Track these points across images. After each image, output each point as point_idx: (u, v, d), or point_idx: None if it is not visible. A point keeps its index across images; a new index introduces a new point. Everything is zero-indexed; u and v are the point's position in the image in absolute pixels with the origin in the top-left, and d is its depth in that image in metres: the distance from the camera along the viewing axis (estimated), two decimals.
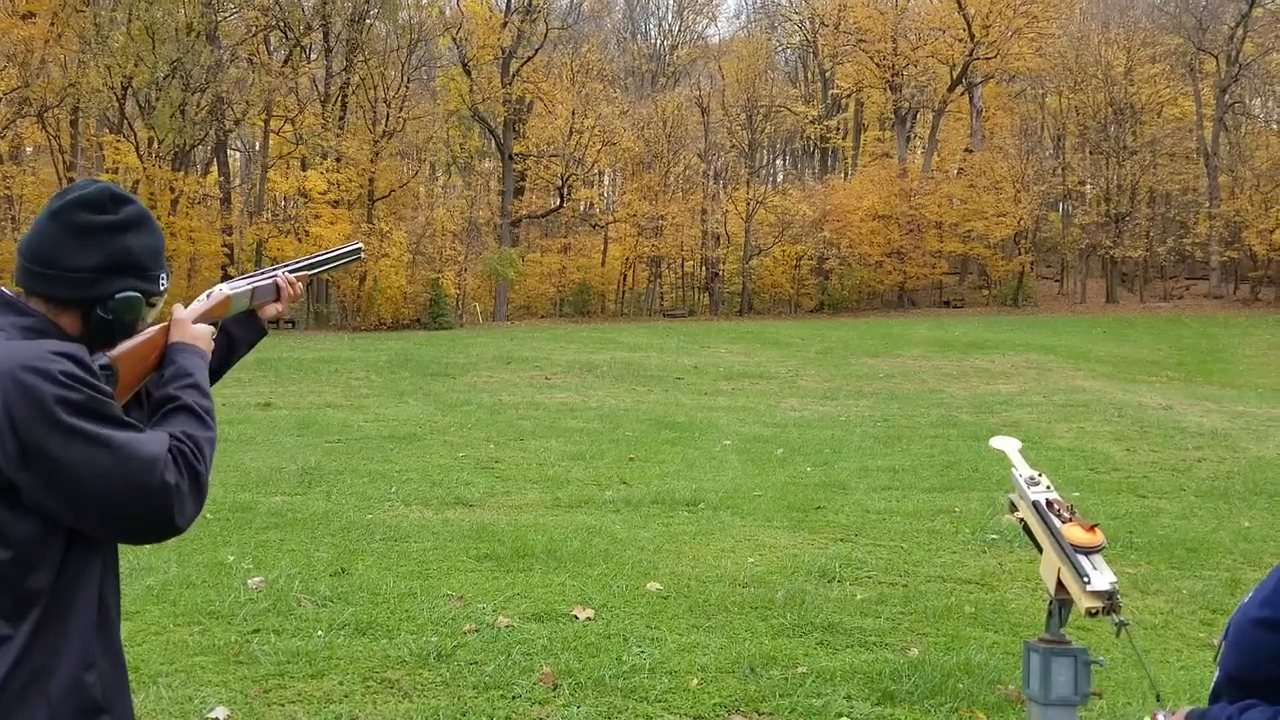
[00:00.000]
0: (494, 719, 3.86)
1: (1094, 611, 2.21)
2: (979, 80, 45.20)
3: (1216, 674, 1.60)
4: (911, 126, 48.24)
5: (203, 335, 1.94)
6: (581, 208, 47.65)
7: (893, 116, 47.56)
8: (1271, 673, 1.48)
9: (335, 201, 35.31)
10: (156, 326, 1.90)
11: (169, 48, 31.62)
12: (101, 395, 1.62)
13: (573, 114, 41.13)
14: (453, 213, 39.64)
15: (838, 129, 52.40)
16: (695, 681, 4.21)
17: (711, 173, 43.64)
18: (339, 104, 37.11)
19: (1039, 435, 11.58)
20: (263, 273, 2.23)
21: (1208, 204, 40.60)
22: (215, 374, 2.13)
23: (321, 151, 35.99)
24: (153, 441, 1.64)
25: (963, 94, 45.50)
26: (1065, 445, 10.91)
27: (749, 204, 42.14)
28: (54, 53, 30.31)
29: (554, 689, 4.12)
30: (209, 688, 4.08)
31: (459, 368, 19.02)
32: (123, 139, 32.09)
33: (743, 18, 59.73)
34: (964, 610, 5.21)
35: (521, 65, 42.08)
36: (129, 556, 5.56)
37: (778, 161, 58.37)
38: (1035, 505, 2.49)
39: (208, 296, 2.08)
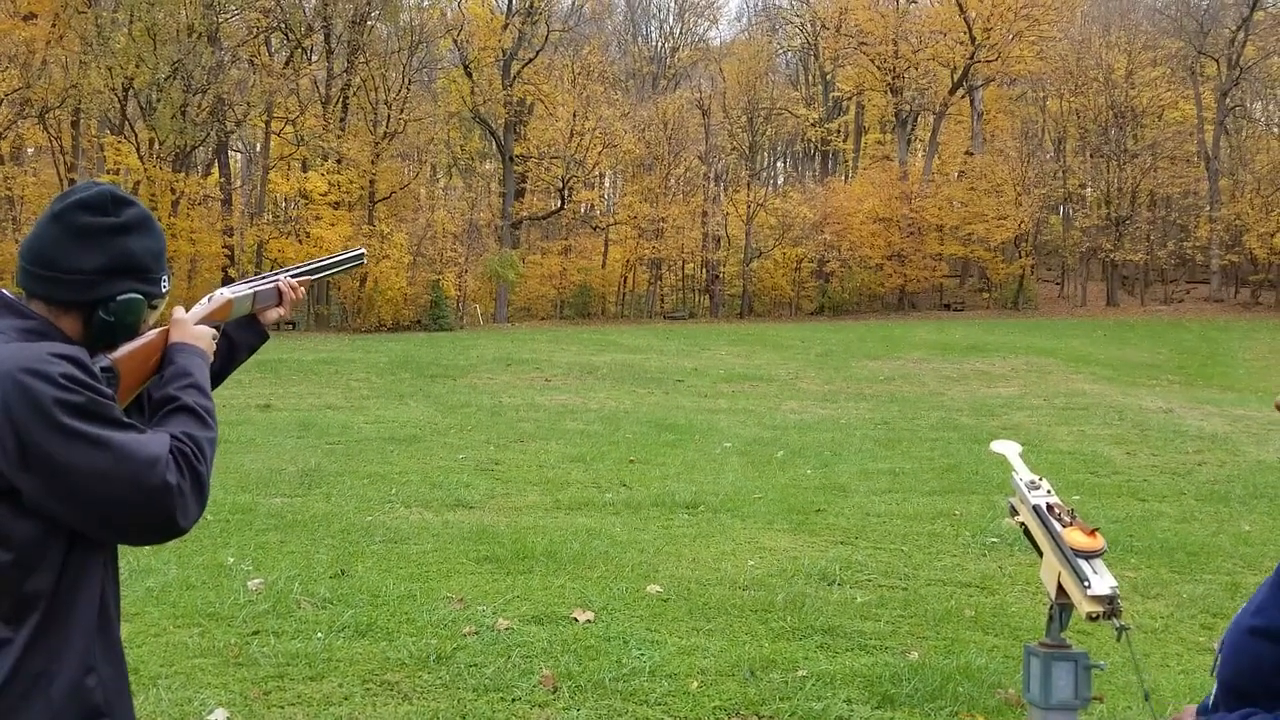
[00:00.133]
0: None
1: (1094, 616, 2.21)
2: (980, 83, 45.22)
3: (1214, 687, 1.59)
4: (912, 129, 48.26)
5: (203, 336, 1.94)
6: (582, 210, 47.67)
7: (893, 119, 47.57)
8: (1269, 682, 1.47)
9: (336, 203, 35.32)
10: (157, 329, 1.90)
11: (170, 49, 31.63)
12: (102, 397, 1.62)
13: (574, 116, 41.15)
14: (453, 214, 39.65)
15: (838, 131, 52.41)
16: (695, 684, 4.21)
17: (712, 175, 43.66)
18: (340, 105, 37.13)
19: (1039, 438, 11.58)
20: (264, 277, 2.23)
21: (1208, 207, 40.62)
22: (217, 378, 2.13)
23: (322, 153, 36.00)
24: (153, 442, 1.64)
25: (963, 97, 45.52)
26: (1065, 448, 10.91)
27: (749, 206, 42.16)
28: (55, 54, 30.33)
29: (554, 692, 4.12)
30: (208, 690, 4.08)
31: (459, 369, 19.02)
32: (124, 140, 32.11)
33: (744, 20, 59.83)
34: (964, 614, 5.21)
35: (522, 67, 42.11)
36: (129, 558, 5.56)
37: (778, 164, 58.39)
38: (1036, 509, 2.48)
39: (209, 300, 2.08)
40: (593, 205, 48.31)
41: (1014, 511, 2.62)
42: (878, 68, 45.23)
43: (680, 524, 7.23)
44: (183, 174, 33.43)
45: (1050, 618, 2.46)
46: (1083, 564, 2.29)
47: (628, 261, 43.65)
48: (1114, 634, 2.23)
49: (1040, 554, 2.45)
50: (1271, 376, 21.08)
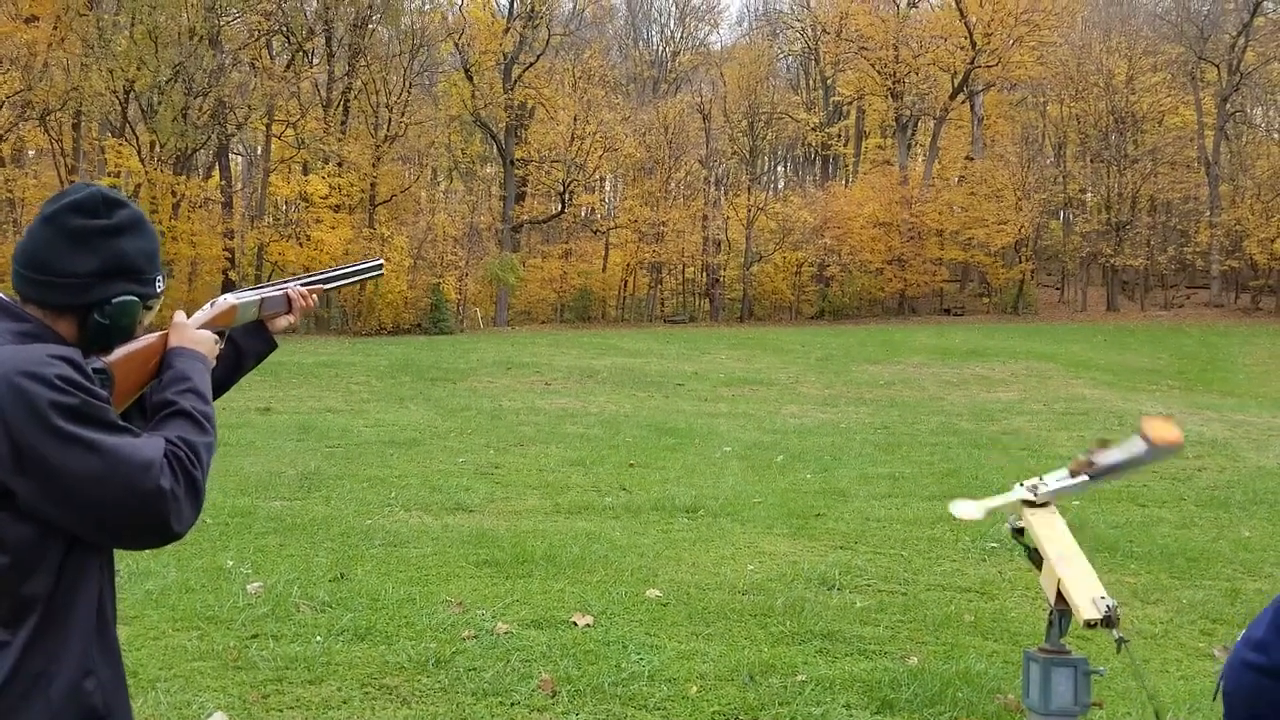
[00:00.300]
0: None
1: (1093, 624, 2.21)
2: (980, 88, 45.25)
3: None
4: (913, 134, 48.30)
5: (204, 341, 1.92)
6: (583, 213, 47.68)
7: (894, 124, 47.60)
8: (1267, 715, 1.47)
9: (336, 206, 35.33)
10: (156, 333, 1.89)
11: (171, 52, 31.66)
12: (96, 400, 1.62)
13: (574, 120, 41.17)
14: (454, 218, 39.68)
15: (839, 136, 52.46)
16: (694, 689, 4.21)
17: (713, 179, 43.70)
18: (341, 109, 37.16)
19: (1039, 443, 11.58)
20: (275, 284, 2.22)
21: (1208, 213, 40.64)
22: (223, 385, 2.12)
23: (323, 156, 36.02)
24: (147, 446, 1.63)
25: (964, 102, 45.55)
26: (1065, 454, 10.89)
27: (750, 210, 42.18)
28: (57, 56, 30.33)
29: (553, 696, 4.11)
30: (207, 693, 4.07)
31: (459, 373, 19.02)
32: (125, 143, 32.13)
33: (745, 24, 59.84)
34: (964, 619, 5.21)
35: (523, 71, 42.14)
36: (127, 561, 5.56)
37: (779, 168, 58.42)
38: (1087, 475, 2.46)
39: (212, 305, 2.06)
40: (593, 209, 48.32)
41: (1018, 533, 2.61)
42: (878, 72, 45.27)
43: (680, 528, 7.22)
44: (184, 177, 33.44)
45: (1050, 624, 2.46)
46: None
47: (628, 265, 43.67)
48: (1114, 645, 2.22)
49: (1037, 566, 2.45)
50: (1272, 382, 21.08)
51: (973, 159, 44.82)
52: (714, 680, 4.31)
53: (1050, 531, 2.48)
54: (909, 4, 47.55)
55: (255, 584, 5.46)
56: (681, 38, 56.81)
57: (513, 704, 4.04)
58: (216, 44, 34.01)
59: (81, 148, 33.26)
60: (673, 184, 43.49)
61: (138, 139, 32.43)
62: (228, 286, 31.08)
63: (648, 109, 43.85)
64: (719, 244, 42.62)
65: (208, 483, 1.73)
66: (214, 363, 1.95)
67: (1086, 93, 42.10)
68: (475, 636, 4.75)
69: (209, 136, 34.12)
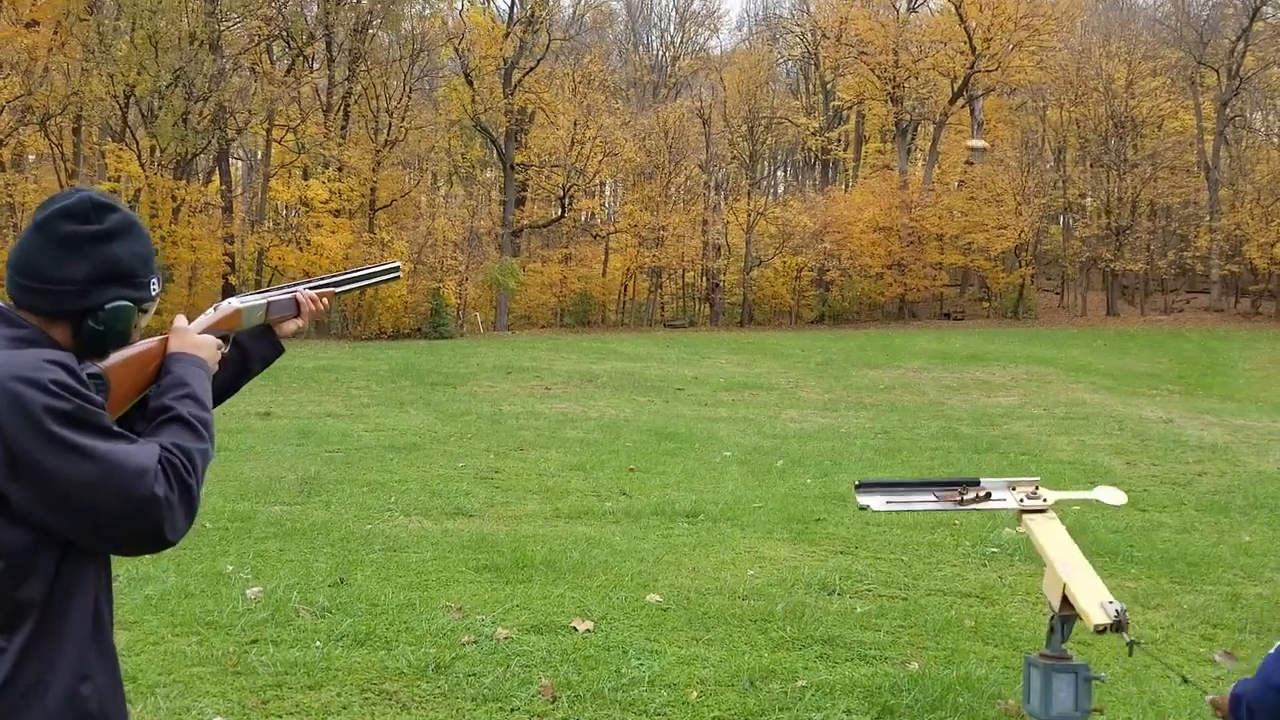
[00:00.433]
0: None
1: (1103, 629, 2.20)
2: (980, 93, 45.27)
3: None
4: (912, 139, 48.33)
5: (205, 346, 1.91)
6: (583, 218, 47.69)
7: (894, 128, 47.63)
8: None
9: (337, 211, 35.33)
10: (156, 337, 1.88)
11: (172, 57, 31.67)
12: (91, 405, 1.61)
13: (574, 125, 41.19)
14: (454, 222, 39.68)
15: (839, 141, 52.47)
16: (695, 694, 4.20)
17: (713, 184, 43.70)
18: (341, 113, 37.17)
19: (1039, 448, 11.58)
20: (283, 287, 2.19)
21: (1208, 217, 40.65)
22: (228, 389, 2.11)
23: (323, 161, 36.03)
24: (142, 453, 1.63)
25: (964, 106, 45.58)
26: (1066, 458, 10.90)
27: (750, 215, 42.18)
28: (57, 61, 30.35)
29: (553, 701, 4.11)
30: (206, 698, 4.07)
31: (459, 377, 19.01)
32: (125, 147, 32.14)
33: (744, 29, 59.87)
34: (964, 624, 5.20)
35: (523, 76, 42.18)
36: (127, 566, 5.56)
37: (779, 173, 58.43)
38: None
39: (215, 309, 2.05)
40: (593, 213, 48.32)
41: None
42: (878, 77, 45.31)
43: (680, 533, 7.22)
44: (184, 181, 33.44)
45: (1051, 629, 2.46)
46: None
47: (628, 270, 43.65)
48: (1126, 648, 2.22)
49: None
50: (1272, 386, 21.07)
51: (972, 164, 44.83)
52: (714, 685, 4.31)
53: (1051, 538, 2.48)
54: (909, 9, 47.60)
55: (255, 589, 5.46)
56: (681, 42, 56.84)
57: (513, 709, 4.03)
58: (217, 49, 34.02)
59: (82, 152, 33.27)
60: (673, 189, 43.49)
61: (138, 144, 32.43)
62: (228, 291, 31.07)
63: (648, 114, 43.87)
64: (719, 248, 42.62)
65: (206, 488, 1.72)
66: (216, 368, 1.94)
67: (1086, 97, 42.12)
68: (475, 642, 4.74)
69: (209, 141, 34.13)
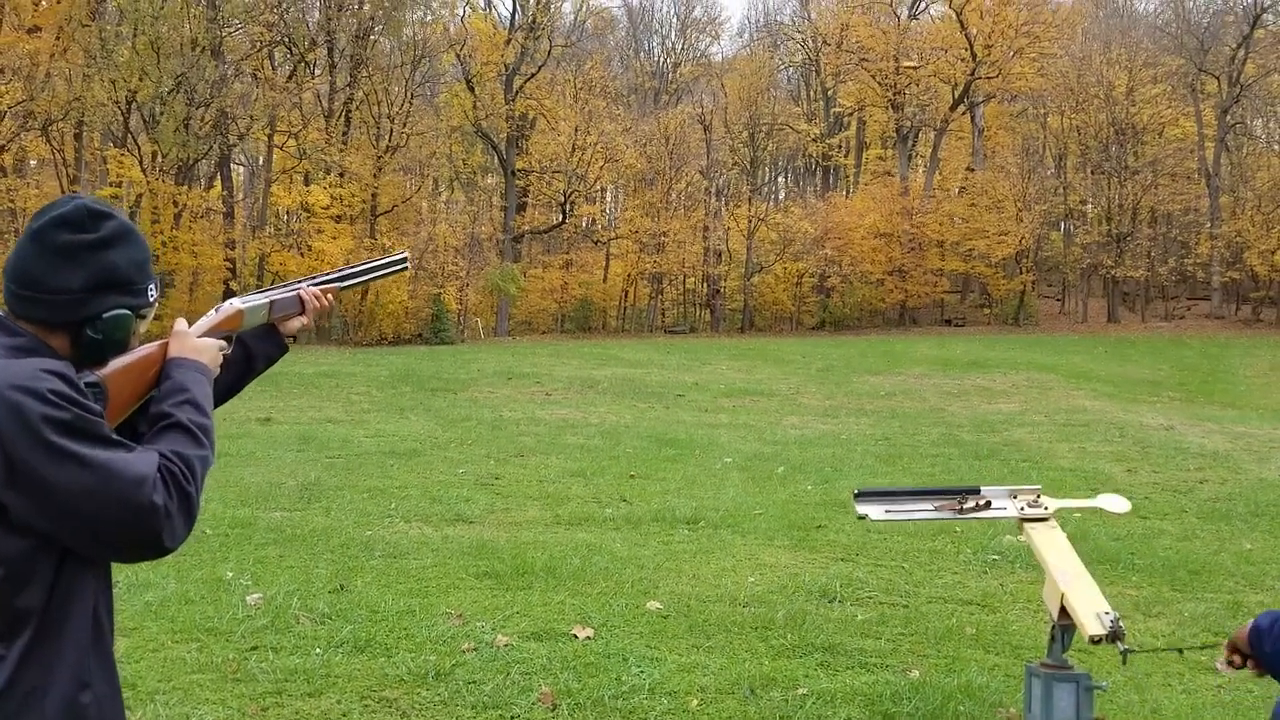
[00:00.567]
0: None
1: (1098, 639, 2.20)
2: (981, 99, 45.32)
3: None
4: (913, 145, 48.37)
5: (206, 350, 1.90)
6: (583, 224, 47.73)
7: (894, 135, 47.68)
8: None
9: (338, 216, 35.37)
10: (156, 342, 1.87)
11: (174, 62, 31.73)
12: (89, 414, 1.61)
13: (575, 130, 41.24)
14: (455, 228, 39.70)
15: (840, 147, 52.52)
16: (695, 702, 4.19)
17: (713, 190, 43.73)
18: (343, 119, 37.23)
19: (1040, 455, 11.56)
20: (286, 285, 2.18)
21: (1209, 224, 40.67)
22: (232, 389, 2.10)
23: (325, 166, 36.08)
24: (140, 461, 1.62)
25: (964, 113, 45.63)
26: (1067, 465, 10.89)
27: (751, 221, 42.20)
28: (59, 66, 30.42)
29: (553, 709, 4.10)
30: (206, 706, 4.06)
31: (460, 383, 19.01)
32: (126, 153, 32.18)
33: (745, 36, 59.95)
34: (965, 632, 5.19)
35: (525, 82, 42.24)
36: (127, 572, 5.55)
37: (780, 179, 58.46)
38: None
39: (217, 311, 2.04)
40: (594, 219, 48.35)
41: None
42: (879, 84, 45.36)
43: (680, 540, 7.21)
44: (185, 187, 33.49)
45: (1052, 638, 2.45)
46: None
47: (629, 276, 43.67)
48: (1120, 657, 2.22)
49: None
50: (1273, 393, 21.06)
51: (973, 170, 44.87)
52: (714, 693, 4.30)
53: (1051, 546, 2.48)
54: (909, 16, 47.67)
55: (255, 595, 5.45)
56: (682, 49, 56.93)
57: (513, 717, 4.03)
58: (219, 55, 34.09)
59: (83, 158, 33.32)
60: (673, 195, 43.52)
61: (139, 149, 32.48)
62: (228, 296, 31.01)
63: (649, 120, 43.92)
64: (720, 254, 42.64)
65: (206, 494, 1.72)
66: (217, 371, 1.93)
67: (1087, 104, 42.16)
68: (475, 649, 4.73)
69: (211, 147, 34.18)
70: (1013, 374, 22.29)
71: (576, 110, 41.90)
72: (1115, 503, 2.82)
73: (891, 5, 47.13)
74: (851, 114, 51.17)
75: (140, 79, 31.12)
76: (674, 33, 57.08)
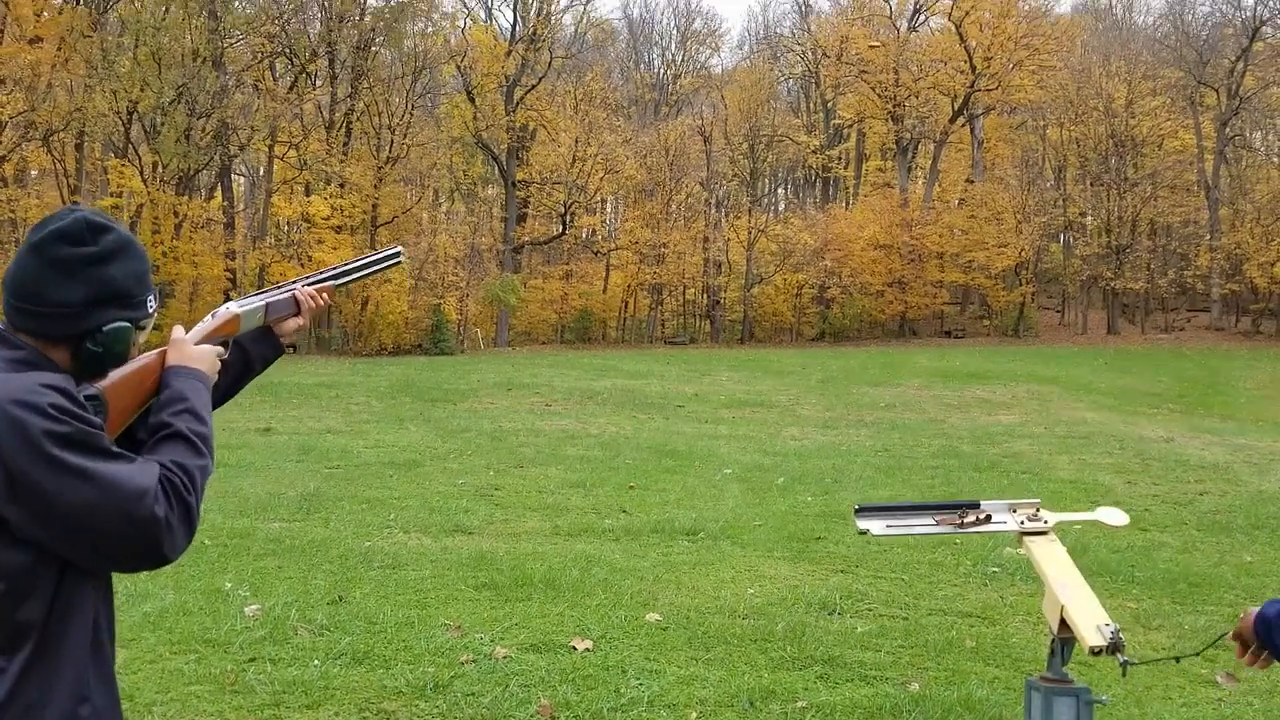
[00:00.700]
0: None
1: (1098, 650, 2.19)
2: (980, 112, 45.43)
3: None
4: (913, 157, 48.46)
5: (204, 357, 1.90)
6: (584, 235, 47.79)
7: (894, 147, 47.78)
8: None
9: (338, 227, 35.42)
10: (154, 351, 1.87)
11: (175, 73, 31.82)
12: (90, 427, 1.61)
13: (575, 142, 41.33)
14: (455, 239, 39.77)
15: (839, 159, 52.63)
16: (694, 715, 4.18)
17: (713, 201, 43.80)
18: (343, 130, 37.31)
19: (1040, 467, 11.55)
20: (280, 286, 2.18)
21: (1209, 236, 40.74)
22: (229, 392, 2.11)
23: (325, 177, 36.14)
24: (141, 473, 1.62)
25: (964, 125, 45.73)
26: (1067, 477, 10.88)
27: (750, 232, 42.27)
28: (61, 77, 30.49)
29: None
30: (204, 718, 4.05)
31: (460, 394, 19.01)
32: (127, 163, 32.24)
33: (745, 48, 60.17)
34: (965, 644, 5.18)
35: (525, 93, 42.34)
36: (125, 583, 5.54)
37: (779, 190, 58.58)
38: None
39: (213, 316, 2.04)
40: (594, 230, 48.42)
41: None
42: (878, 96, 45.48)
43: (680, 551, 7.19)
44: (186, 197, 33.53)
45: (1052, 651, 2.45)
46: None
47: (629, 286, 43.72)
48: (1119, 670, 2.21)
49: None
50: (1273, 406, 21.05)
51: (973, 182, 44.96)
52: (714, 706, 4.29)
53: (1051, 559, 2.47)
54: (909, 28, 47.82)
55: (253, 606, 5.44)
56: (682, 61, 57.11)
57: None
58: (220, 65, 34.18)
59: (84, 168, 33.38)
60: (673, 206, 43.60)
61: (140, 159, 32.53)
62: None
63: (649, 131, 44.03)
64: (719, 266, 42.70)
65: (206, 504, 1.72)
66: (215, 378, 1.93)
67: (1086, 116, 42.25)
68: (474, 661, 4.72)
69: (211, 157, 34.24)
70: (1013, 386, 22.29)
71: (577, 121, 42.00)
72: (1114, 516, 2.81)
73: (891, 18, 47.30)
74: (851, 126, 51.30)
75: (141, 89, 31.19)
76: (674, 45, 57.31)
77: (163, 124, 31.96)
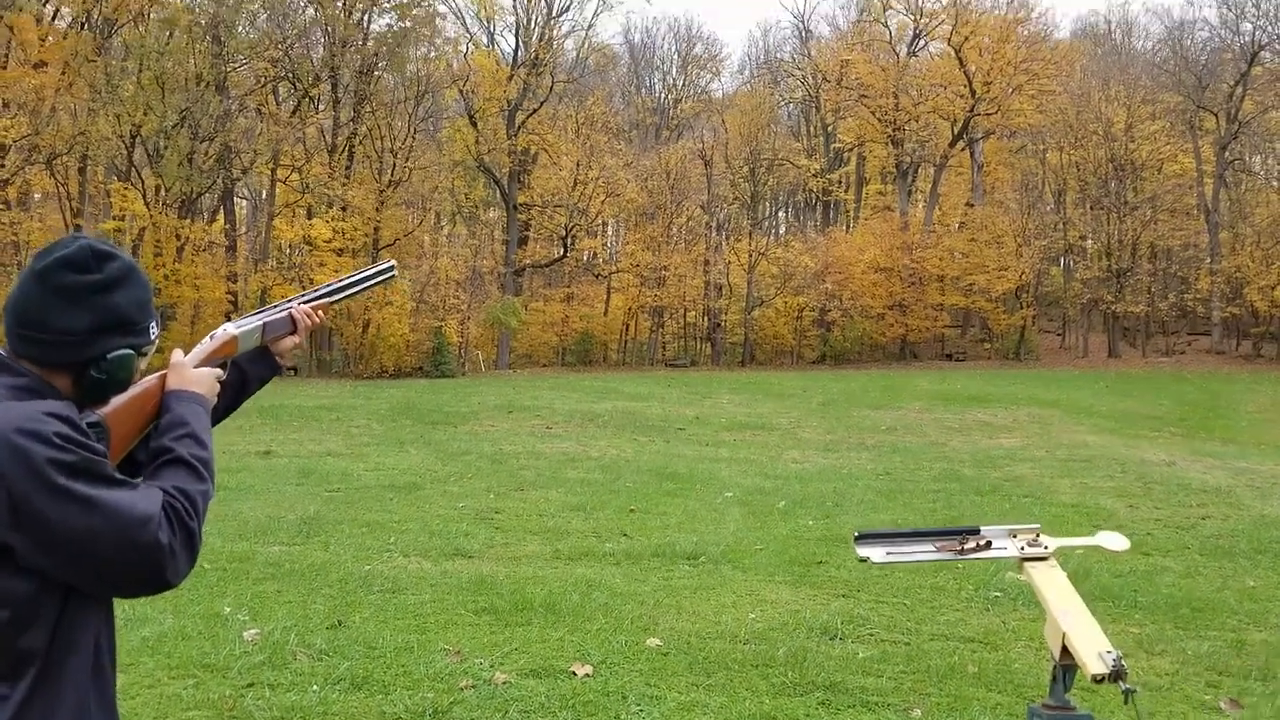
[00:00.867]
0: None
1: (1100, 678, 2.18)
2: (980, 135, 45.63)
3: None
4: (913, 180, 48.64)
5: (203, 380, 1.91)
6: (585, 258, 47.92)
7: (894, 170, 47.96)
8: None
9: (340, 250, 35.51)
10: (154, 376, 1.88)
11: (178, 97, 32.00)
12: (94, 455, 1.62)
13: (577, 165, 41.51)
14: (457, 261, 39.86)
15: (840, 182, 52.81)
16: None
17: (714, 224, 43.93)
18: (346, 153, 37.47)
19: (1042, 490, 11.52)
20: (277, 305, 2.19)
21: (1209, 260, 40.82)
22: (226, 411, 2.11)
23: (327, 200, 36.27)
24: (145, 500, 1.63)
25: (964, 149, 45.92)
26: (1068, 501, 10.85)
27: (751, 255, 42.38)
28: (64, 101, 30.66)
29: None
30: None
31: (461, 416, 18.99)
32: (130, 186, 32.37)
33: (746, 72, 60.48)
34: (967, 670, 5.15)
35: (527, 117, 42.56)
36: (124, 607, 5.52)
37: (780, 213, 58.75)
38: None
39: (211, 338, 2.04)
40: (595, 253, 48.56)
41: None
42: (878, 120, 45.68)
43: (681, 575, 7.17)
44: (188, 220, 33.65)
45: (1054, 678, 2.43)
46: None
47: (630, 309, 43.81)
48: (1122, 696, 2.20)
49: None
50: (1274, 429, 21.02)
51: (973, 205, 45.09)
52: None
53: (1052, 585, 2.46)
54: (909, 53, 48.10)
55: (252, 631, 5.42)
56: (684, 85, 57.42)
57: None
58: (223, 90, 34.37)
59: (87, 191, 33.51)
60: (674, 229, 43.74)
61: (143, 183, 32.67)
62: None
63: (650, 155, 44.21)
64: (720, 288, 42.78)
65: (205, 528, 1.73)
66: (215, 400, 1.94)
67: (1086, 140, 42.43)
68: (473, 686, 4.70)
69: (214, 181, 34.38)
70: (1014, 409, 22.26)
71: (578, 145, 42.19)
72: (1114, 541, 2.80)
73: (891, 43, 47.58)
74: (851, 149, 51.52)
75: (145, 113, 31.35)
76: (675, 69, 57.63)
77: (166, 147, 32.10)
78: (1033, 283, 41.72)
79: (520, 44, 43.93)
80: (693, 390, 26.61)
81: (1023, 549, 2.55)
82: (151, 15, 34.12)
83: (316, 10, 36.79)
